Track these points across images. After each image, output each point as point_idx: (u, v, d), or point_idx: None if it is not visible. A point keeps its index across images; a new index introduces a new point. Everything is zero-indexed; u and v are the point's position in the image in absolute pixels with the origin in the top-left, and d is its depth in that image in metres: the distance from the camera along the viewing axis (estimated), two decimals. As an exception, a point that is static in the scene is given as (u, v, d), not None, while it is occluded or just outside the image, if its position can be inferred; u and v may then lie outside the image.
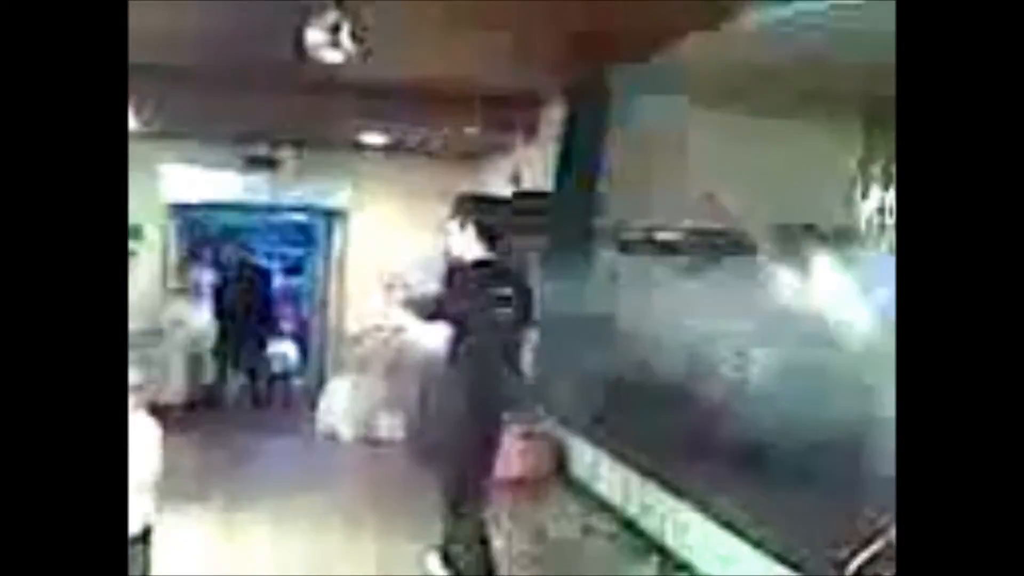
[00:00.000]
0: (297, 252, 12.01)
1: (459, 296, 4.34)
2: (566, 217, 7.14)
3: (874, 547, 3.51)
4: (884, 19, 2.05)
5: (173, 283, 9.61)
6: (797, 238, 6.68)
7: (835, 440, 4.55)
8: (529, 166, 8.01)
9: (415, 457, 7.01)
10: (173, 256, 9.72)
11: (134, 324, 8.56)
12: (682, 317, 5.83)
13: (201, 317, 9.32)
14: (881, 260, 5.98)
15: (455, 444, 4.39)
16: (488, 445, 4.48)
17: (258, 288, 9.82)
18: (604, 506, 6.03)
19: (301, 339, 11.16)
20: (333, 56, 4.67)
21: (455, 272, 4.48)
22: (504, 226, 4.84)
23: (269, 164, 9.43)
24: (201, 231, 10.58)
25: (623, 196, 7.45)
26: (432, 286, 4.64)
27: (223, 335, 9.41)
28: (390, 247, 8.52)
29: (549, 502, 6.29)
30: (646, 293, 6.89)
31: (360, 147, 9.33)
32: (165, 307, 9.20)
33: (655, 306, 6.32)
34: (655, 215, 7.62)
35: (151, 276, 9.27)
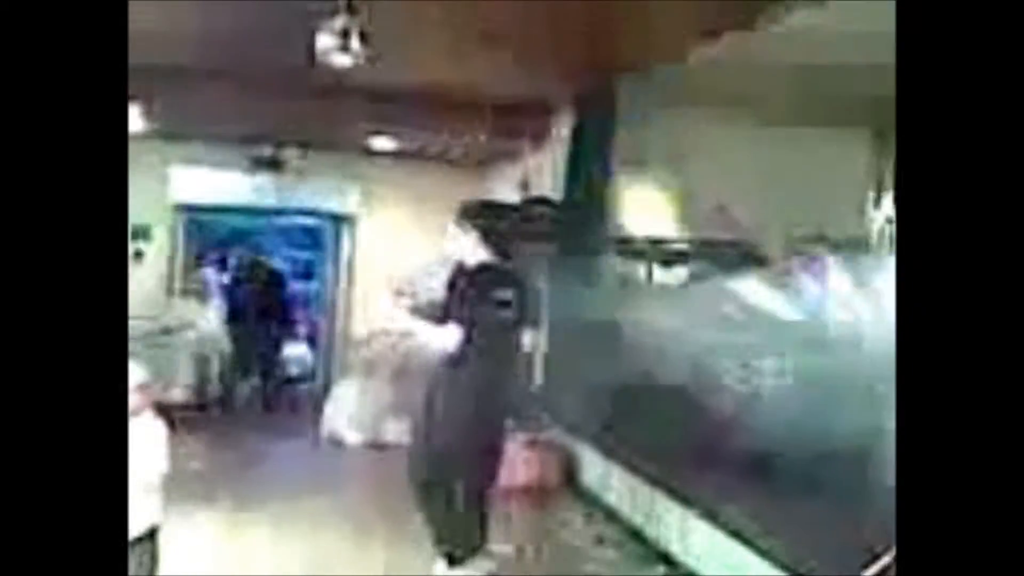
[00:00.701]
0: (305, 256, 12.02)
1: (462, 300, 4.41)
2: (575, 225, 7.15)
3: (885, 560, 3.48)
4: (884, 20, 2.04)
5: (181, 284, 9.63)
6: (808, 248, 6.65)
7: (845, 450, 4.52)
8: (538, 173, 8.01)
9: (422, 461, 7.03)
10: (181, 257, 9.75)
11: (142, 324, 8.65)
12: (691, 326, 5.81)
13: (209, 318, 9.33)
14: (892, 269, 5.93)
15: (457, 448, 4.45)
16: (490, 449, 4.55)
17: (272, 290, 9.85)
18: (611, 515, 6.01)
19: (310, 343, 11.18)
20: (342, 60, 4.68)
21: (458, 276, 4.56)
22: (509, 232, 4.90)
23: (277, 167, 9.45)
24: (209, 233, 10.61)
25: (632, 205, 7.46)
26: (439, 291, 4.69)
27: (235, 337, 9.43)
28: (398, 252, 8.55)
29: (557, 511, 6.27)
30: (655, 302, 6.88)
31: (369, 152, 9.35)
32: (173, 308, 9.22)
33: (664, 315, 6.31)
34: (664, 224, 7.62)
35: (159, 277, 9.31)
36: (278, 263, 10.73)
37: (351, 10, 4.58)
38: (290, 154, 9.44)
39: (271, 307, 9.72)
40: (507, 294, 4.47)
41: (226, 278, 9.78)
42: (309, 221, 11.13)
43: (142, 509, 3.22)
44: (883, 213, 6.93)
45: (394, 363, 8.16)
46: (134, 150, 8.32)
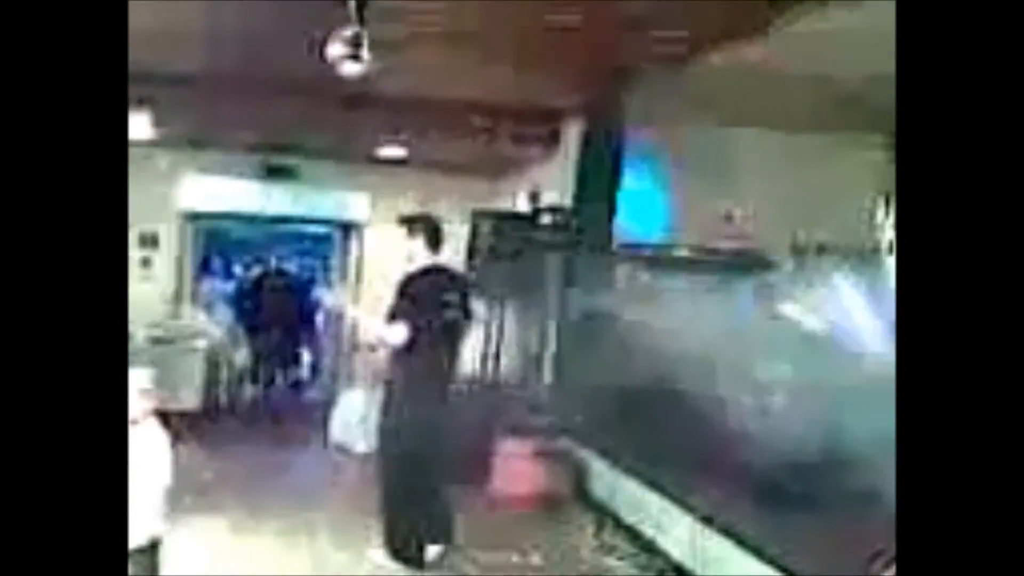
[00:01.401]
0: (313, 263, 12.04)
1: (412, 301, 4.93)
2: (584, 233, 7.15)
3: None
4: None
5: (189, 291, 9.66)
6: (816, 256, 6.64)
7: (855, 459, 4.51)
8: (548, 181, 8.01)
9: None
10: (190, 264, 9.78)
11: (150, 331, 8.63)
12: (699, 334, 5.79)
13: (218, 325, 9.36)
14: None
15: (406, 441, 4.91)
16: (438, 441, 4.99)
17: (287, 297, 9.88)
18: (618, 523, 5.98)
19: (317, 350, 11.20)
20: (352, 69, 4.69)
21: (408, 279, 5.06)
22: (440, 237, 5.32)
23: (287, 175, 9.47)
24: (218, 240, 10.64)
25: (641, 212, 7.46)
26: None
27: (249, 344, 9.45)
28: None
29: (561, 519, 6.25)
30: (663, 308, 6.86)
31: (378, 160, 9.36)
32: (181, 316, 9.25)
33: (672, 322, 6.28)
34: (674, 232, 7.62)
35: (167, 284, 9.33)
36: (295, 271, 10.78)
37: (361, 19, 4.60)
38: (300, 162, 9.46)
39: (288, 315, 9.77)
40: (452, 296, 5.02)
41: (233, 286, 9.81)
42: (318, 229, 11.15)
43: (142, 520, 3.18)
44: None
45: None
46: (144, 157, 8.36)
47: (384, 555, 4.98)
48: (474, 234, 7.94)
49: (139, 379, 3.22)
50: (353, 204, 9.87)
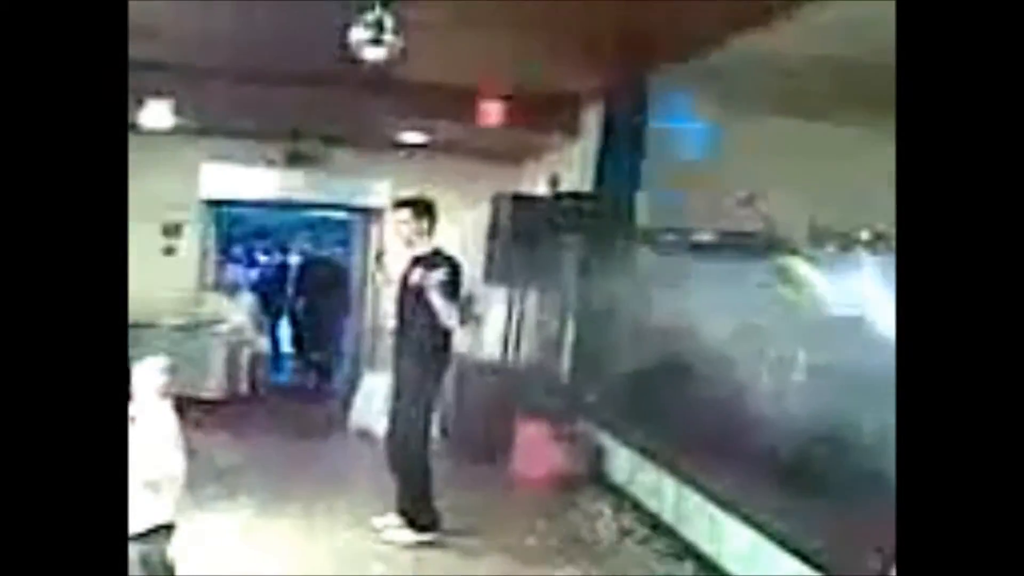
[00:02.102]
0: (335, 250, 12.09)
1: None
2: (604, 218, 7.14)
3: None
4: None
5: (212, 278, 9.74)
6: (836, 241, 6.57)
7: (874, 444, 4.48)
8: (568, 167, 7.98)
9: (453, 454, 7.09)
10: (213, 253, 9.86)
11: (173, 319, 8.70)
12: (719, 319, 5.77)
13: (240, 312, 9.41)
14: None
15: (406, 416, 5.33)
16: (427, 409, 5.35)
17: (326, 281, 9.95)
18: (637, 507, 5.99)
19: (341, 335, 11.26)
20: (376, 54, 4.69)
21: (412, 263, 5.28)
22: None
23: (308, 162, 9.49)
24: (241, 227, 10.68)
25: (661, 197, 7.42)
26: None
27: (269, 330, 9.51)
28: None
29: (581, 502, 6.27)
30: (683, 293, 6.83)
31: (399, 146, 9.36)
32: (204, 303, 9.31)
33: (692, 307, 6.26)
34: (693, 216, 7.57)
35: (190, 272, 9.41)
36: (337, 258, 10.85)
37: (384, 3, 4.59)
38: (321, 149, 9.47)
39: (317, 301, 9.82)
40: (443, 274, 5.16)
41: (257, 273, 9.87)
42: (339, 215, 11.18)
43: (152, 506, 3.20)
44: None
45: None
46: (166, 147, 8.42)
47: (387, 522, 5.33)
48: (495, 217, 7.94)
49: (153, 366, 3.24)
50: (374, 190, 9.86)
